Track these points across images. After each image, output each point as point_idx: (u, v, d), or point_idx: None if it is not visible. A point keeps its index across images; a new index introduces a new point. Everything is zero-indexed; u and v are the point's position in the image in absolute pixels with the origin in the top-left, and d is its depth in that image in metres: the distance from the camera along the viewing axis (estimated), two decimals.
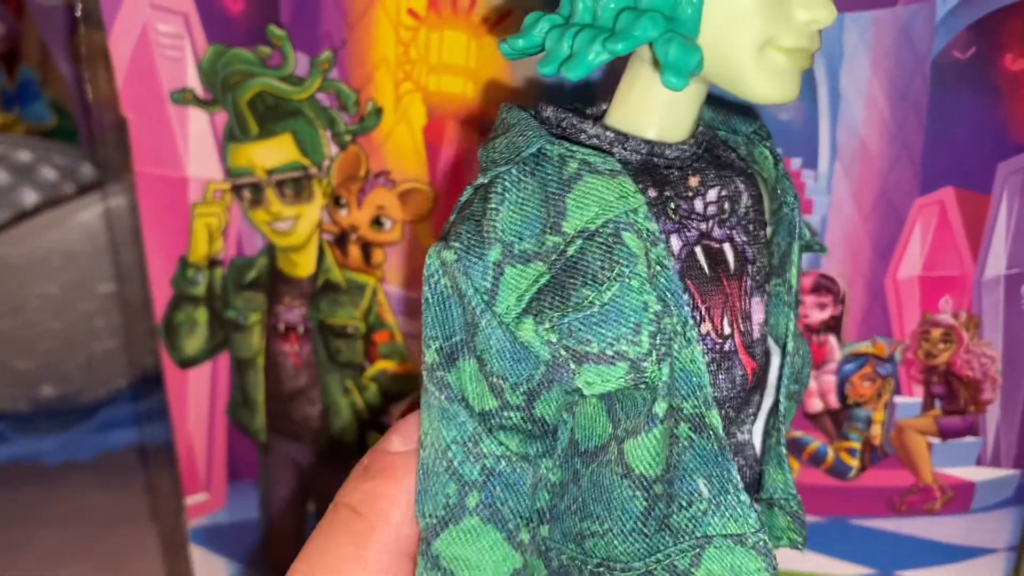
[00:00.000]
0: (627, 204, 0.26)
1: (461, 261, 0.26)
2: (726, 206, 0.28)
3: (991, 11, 0.38)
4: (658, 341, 0.26)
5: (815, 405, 0.45)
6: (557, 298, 0.26)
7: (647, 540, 0.26)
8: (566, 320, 0.26)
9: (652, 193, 0.27)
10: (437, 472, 0.27)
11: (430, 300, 0.27)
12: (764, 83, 0.26)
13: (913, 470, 0.45)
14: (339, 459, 0.49)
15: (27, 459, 0.67)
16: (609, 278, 0.26)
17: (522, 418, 0.27)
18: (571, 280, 0.26)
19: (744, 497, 0.26)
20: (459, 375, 0.27)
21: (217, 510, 0.51)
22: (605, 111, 0.29)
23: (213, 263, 0.47)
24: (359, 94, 0.43)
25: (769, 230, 0.30)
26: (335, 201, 0.45)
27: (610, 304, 0.26)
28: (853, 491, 0.46)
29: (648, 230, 0.26)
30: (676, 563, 0.26)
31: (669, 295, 0.26)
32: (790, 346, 0.29)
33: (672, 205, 0.27)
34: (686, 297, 0.26)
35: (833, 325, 0.43)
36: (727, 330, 0.27)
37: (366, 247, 0.45)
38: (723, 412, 0.27)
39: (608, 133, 0.28)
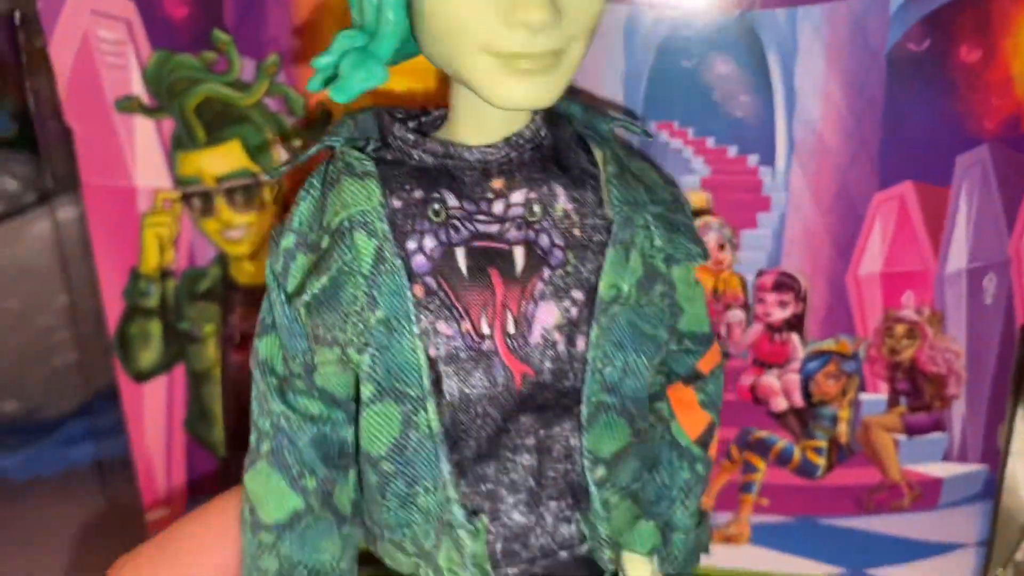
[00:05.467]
0: (365, 204, 0.28)
1: (269, 245, 0.30)
2: (535, 208, 0.28)
3: (944, 3, 0.38)
4: (360, 330, 0.28)
5: (780, 404, 0.44)
6: (304, 282, 0.29)
7: (394, 513, 0.29)
8: (301, 301, 0.29)
9: (417, 195, 0.28)
10: (252, 421, 0.31)
11: (267, 276, 0.30)
12: (490, 89, 0.27)
13: (880, 467, 0.45)
14: None
15: None
16: (325, 269, 0.28)
17: (307, 386, 0.30)
18: (315, 270, 0.29)
19: (452, 494, 0.28)
20: (265, 343, 0.30)
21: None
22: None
23: (165, 274, 0.46)
24: (307, 98, 0.42)
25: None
26: (286, 208, 0.44)
27: (328, 293, 0.28)
28: (821, 490, 0.45)
29: (381, 230, 0.28)
30: (422, 541, 0.29)
31: (386, 290, 0.27)
32: (590, 355, 0.28)
33: (435, 207, 0.28)
34: (440, 296, 0.28)
35: (795, 323, 0.43)
36: (486, 331, 0.28)
37: None
38: (479, 408, 0.28)
39: (409, 136, 0.29)
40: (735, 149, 0.40)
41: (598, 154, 0.30)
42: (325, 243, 0.28)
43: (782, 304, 0.42)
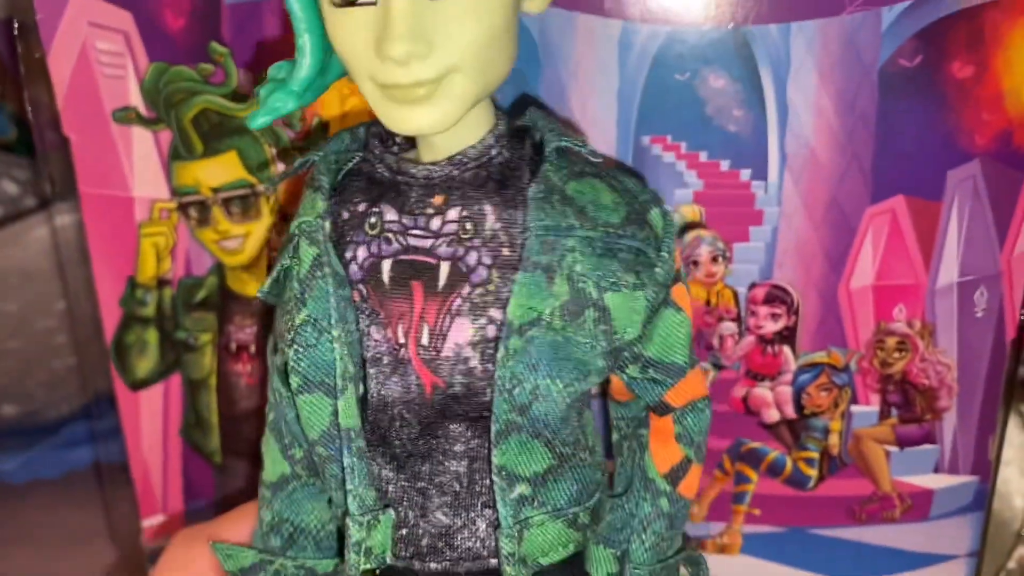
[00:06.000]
0: (310, 215, 0.30)
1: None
2: (467, 226, 0.29)
3: (937, 19, 0.38)
4: (289, 326, 0.30)
5: (772, 415, 0.44)
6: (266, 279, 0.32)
7: (334, 492, 0.31)
8: (262, 295, 0.31)
9: (361, 208, 0.30)
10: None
11: None
12: (380, 114, 0.28)
13: (872, 479, 0.45)
14: None
15: None
16: (275, 269, 0.31)
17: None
18: (271, 268, 0.31)
19: (348, 484, 0.29)
20: (276, 327, 0.32)
21: (175, 533, 0.50)
22: None
23: (162, 283, 0.46)
24: (304, 110, 0.42)
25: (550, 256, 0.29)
26: (283, 219, 0.44)
27: (275, 290, 0.31)
28: (812, 501, 0.45)
29: (320, 240, 0.29)
30: (348, 522, 0.30)
31: (316, 294, 0.29)
32: (497, 373, 0.29)
33: (372, 220, 0.30)
34: (370, 303, 0.29)
35: (787, 335, 0.43)
36: (402, 339, 0.30)
37: None
38: (395, 411, 0.30)
39: (376, 151, 0.31)
40: (728, 163, 0.40)
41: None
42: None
43: (774, 316, 0.43)
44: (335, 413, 0.29)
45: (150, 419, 0.48)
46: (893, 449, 0.45)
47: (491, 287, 0.29)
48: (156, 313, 0.46)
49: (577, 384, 0.29)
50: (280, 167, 0.43)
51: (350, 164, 0.31)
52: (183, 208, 0.45)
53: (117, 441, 0.50)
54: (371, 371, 0.30)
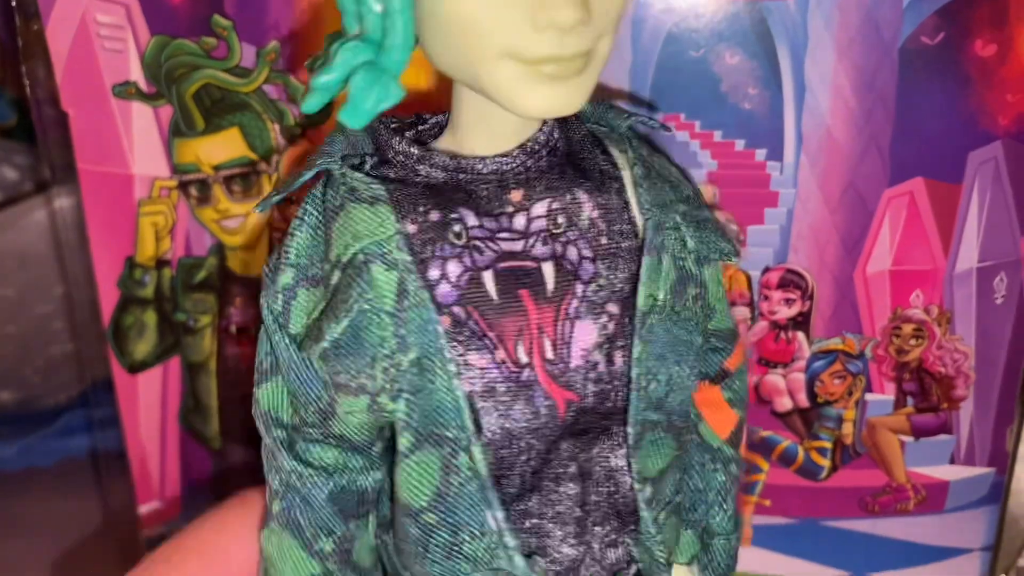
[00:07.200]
0: (380, 233, 0.25)
1: (264, 282, 0.27)
2: (559, 219, 0.26)
3: None
4: (391, 375, 0.25)
5: (784, 404, 0.43)
6: (319, 326, 0.26)
7: (439, 565, 0.27)
8: (318, 348, 0.26)
9: (434, 217, 0.26)
10: (265, 472, 0.29)
11: (263, 317, 0.28)
12: (515, 98, 0.24)
13: (886, 469, 0.44)
14: None
15: None
16: (345, 311, 0.25)
17: (322, 435, 0.27)
18: (331, 312, 0.26)
19: (509, 541, 0.26)
20: (267, 392, 0.28)
21: (172, 519, 0.49)
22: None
23: (161, 263, 0.45)
24: (308, 85, 0.41)
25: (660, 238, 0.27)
26: (287, 200, 0.43)
27: (350, 338, 0.25)
28: (824, 491, 0.44)
29: (401, 261, 0.25)
30: None
31: (414, 327, 0.25)
32: (634, 372, 0.26)
33: (456, 228, 0.26)
34: (471, 326, 0.26)
35: (801, 321, 0.42)
36: (524, 359, 0.26)
37: None
38: (522, 443, 0.26)
39: (413, 150, 0.27)
40: (743, 143, 0.39)
41: (617, 154, 0.28)
42: (335, 279, 0.26)
43: (788, 302, 0.42)
44: (444, 467, 0.26)
45: (148, 403, 0.47)
46: (908, 439, 0.44)
47: (601, 281, 0.26)
48: (155, 294, 0.45)
49: (696, 365, 0.28)
50: (283, 143, 0.42)
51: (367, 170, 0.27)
52: (183, 186, 0.44)
53: (114, 429, 0.49)
54: (485, 405, 0.26)
